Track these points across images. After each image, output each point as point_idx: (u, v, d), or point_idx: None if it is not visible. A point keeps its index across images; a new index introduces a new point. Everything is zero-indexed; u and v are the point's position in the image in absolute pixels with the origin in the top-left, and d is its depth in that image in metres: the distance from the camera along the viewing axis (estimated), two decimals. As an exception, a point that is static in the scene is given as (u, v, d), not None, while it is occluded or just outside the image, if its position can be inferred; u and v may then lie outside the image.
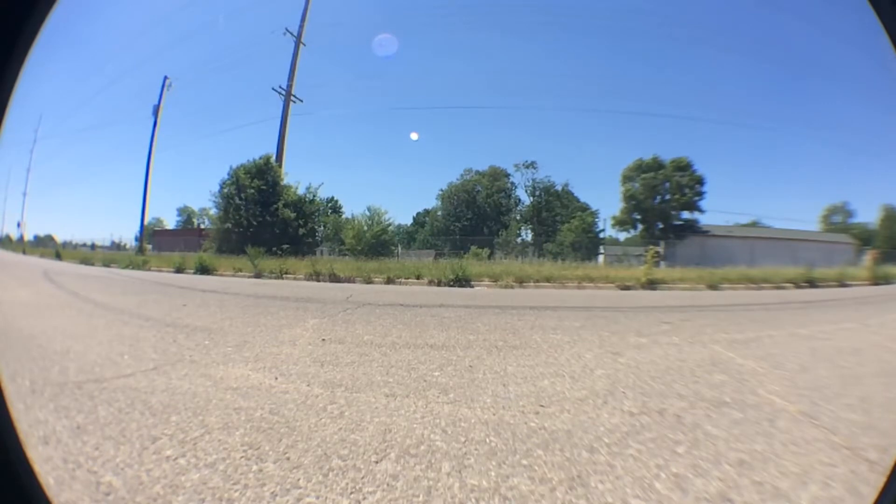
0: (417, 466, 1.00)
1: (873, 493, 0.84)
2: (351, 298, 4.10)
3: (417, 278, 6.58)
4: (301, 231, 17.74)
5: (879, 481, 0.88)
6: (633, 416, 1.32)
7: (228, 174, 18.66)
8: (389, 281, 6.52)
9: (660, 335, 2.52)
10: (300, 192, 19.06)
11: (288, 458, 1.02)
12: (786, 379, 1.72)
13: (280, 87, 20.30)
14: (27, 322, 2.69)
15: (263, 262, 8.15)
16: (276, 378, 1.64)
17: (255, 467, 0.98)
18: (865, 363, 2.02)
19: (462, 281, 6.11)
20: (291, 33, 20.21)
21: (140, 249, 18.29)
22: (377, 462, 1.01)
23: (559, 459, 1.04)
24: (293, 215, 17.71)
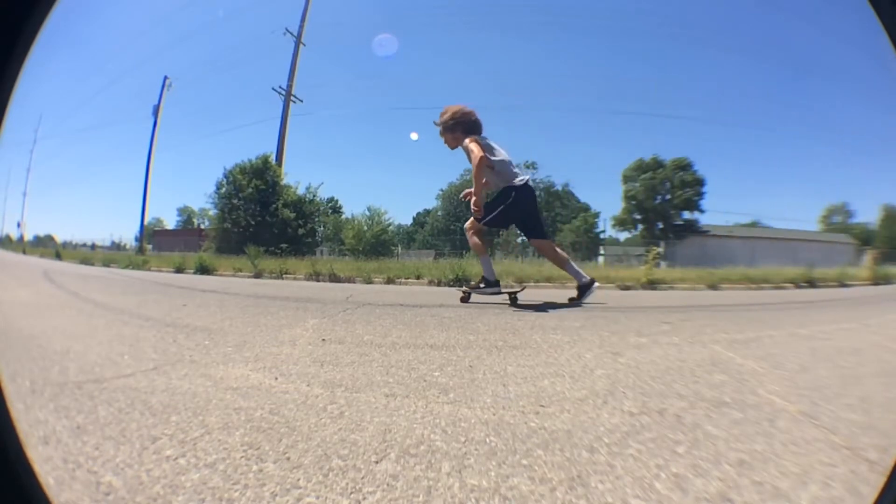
0: (417, 466, 1.00)
1: (873, 493, 0.83)
2: (351, 298, 4.10)
3: (417, 278, 6.58)
4: (301, 231, 17.76)
5: (879, 481, 0.88)
6: (633, 416, 1.32)
7: (224, 174, 18.70)
8: (389, 281, 6.52)
9: (660, 335, 2.52)
10: (300, 192, 19.08)
11: (288, 458, 1.02)
12: (786, 379, 1.72)
13: (280, 87, 20.35)
14: (27, 322, 2.69)
15: (263, 262, 8.14)
16: (276, 378, 1.63)
17: (255, 467, 0.98)
18: (865, 363, 2.02)
19: (462, 281, 6.11)
20: (291, 33, 20.25)
21: (140, 249, 18.30)
22: (377, 462, 1.01)
23: (559, 459, 1.04)
24: (293, 215, 17.72)
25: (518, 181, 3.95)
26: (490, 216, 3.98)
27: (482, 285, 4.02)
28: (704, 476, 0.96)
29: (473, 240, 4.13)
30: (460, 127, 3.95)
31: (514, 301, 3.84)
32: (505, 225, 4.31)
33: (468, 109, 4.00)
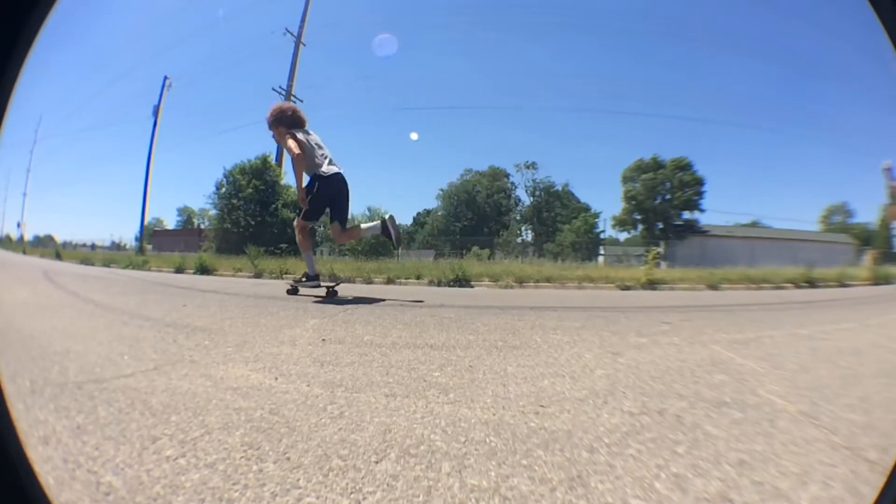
0: (417, 466, 1.00)
1: (873, 493, 0.83)
2: (351, 298, 4.10)
3: (417, 278, 6.58)
4: (301, 231, 17.68)
5: (879, 481, 0.88)
6: (633, 416, 1.32)
7: (223, 174, 18.71)
8: (389, 281, 6.51)
9: (660, 335, 2.52)
10: (300, 192, 19.00)
11: (288, 459, 1.02)
12: (786, 379, 1.72)
13: (280, 87, 20.33)
14: (27, 322, 2.69)
15: (263, 262, 8.13)
16: (276, 378, 1.63)
17: (255, 467, 0.98)
18: (865, 363, 2.02)
19: (462, 281, 6.11)
20: (291, 33, 20.25)
21: (140, 249, 18.25)
22: (377, 462, 1.01)
23: (559, 459, 1.04)
24: (293, 215, 17.68)
25: (323, 171, 4.11)
26: (304, 210, 4.17)
27: (304, 279, 4.30)
28: (704, 476, 0.96)
29: (299, 237, 4.33)
30: (280, 123, 4.14)
31: (331, 294, 4.11)
32: (320, 213, 4.40)
33: (286, 105, 4.23)
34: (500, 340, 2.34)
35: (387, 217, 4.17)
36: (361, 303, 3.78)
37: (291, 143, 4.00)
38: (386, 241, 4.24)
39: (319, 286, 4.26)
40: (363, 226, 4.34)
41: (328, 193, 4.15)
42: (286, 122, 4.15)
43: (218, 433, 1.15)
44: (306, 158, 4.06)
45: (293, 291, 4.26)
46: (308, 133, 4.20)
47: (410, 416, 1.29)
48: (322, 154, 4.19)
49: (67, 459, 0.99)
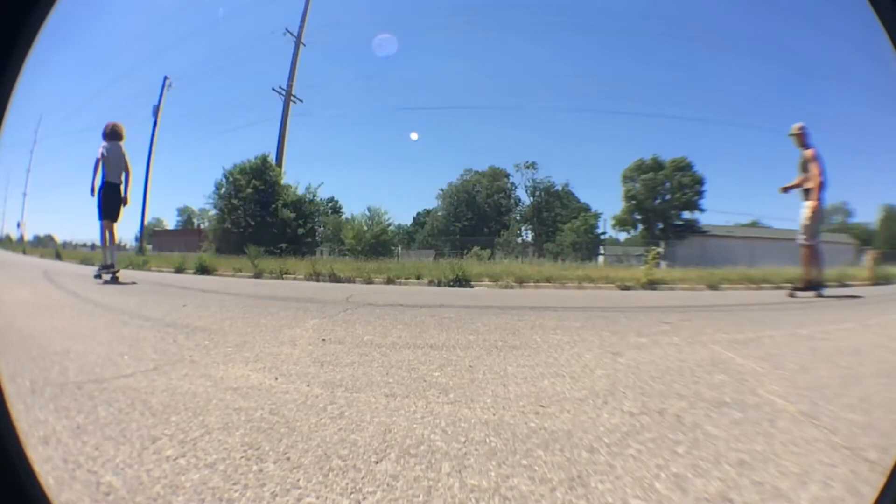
0: (417, 466, 1.00)
1: (873, 493, 0.84)
2: (351, 299, 4.10)
3: (417, 279, 6.58)
4: (301, 231, 17.73)
5: (879, 481, 0.88)
6: (633, 416, 1.32)
7: (223, 174, 18.70)
8: (389, 281, 6.52)
9: (660, 335, 2.52)
10: (300, 192, 19.04)
11: (288, 459, 1.02)
12: (786, 379, 1.72)
13: (280, 87, 20.33)
14: (27, 322, 2.69)
15: (263, 262, 8.13)
16: (277, 378, 1.64)
17: (255, 467, 0.98)
18: (865, 363, 2.02)
19: (462, 281, 6.11)
20: (291, 33, 20.24)
21: (140, 249, 18.20)
22: (377, 462, 1.01)
23: (559, 459, 1.04)
24: (292, 215, 17.69)
25: (109, 181, 5.51)
26: (106, 213, 5.54)
27: (102, 267, 5.56)
28: (704, 476, 0.96)
29: (106, 234, 5.60)
30: (103, 136, 5.56)
31: (114, 279, 5.35)
32: (116, 212, 5.69)
33: (109, 123, 5.65)
34: (500, 340, 2.34)
35: (117, 269, 5.54)
36: (371, 304, 3.78)
37: (99, 150, 5.45)
38: (105, 269, 5.52)
39: (109, 272, 5.46)
40: (112, 251, 5.62)
41: (110, 200, 5.55)
42: (107, 135, 5.58)
43: (218, 433, 1.15)
44: (103, 165, 5.48)
45: (97, 276, 5.47)
46: (118, 146, 5.63)
47: (410, 416, 1.29)
48: (115, 166, 5.56)
49: (67, 459, 0.99)
